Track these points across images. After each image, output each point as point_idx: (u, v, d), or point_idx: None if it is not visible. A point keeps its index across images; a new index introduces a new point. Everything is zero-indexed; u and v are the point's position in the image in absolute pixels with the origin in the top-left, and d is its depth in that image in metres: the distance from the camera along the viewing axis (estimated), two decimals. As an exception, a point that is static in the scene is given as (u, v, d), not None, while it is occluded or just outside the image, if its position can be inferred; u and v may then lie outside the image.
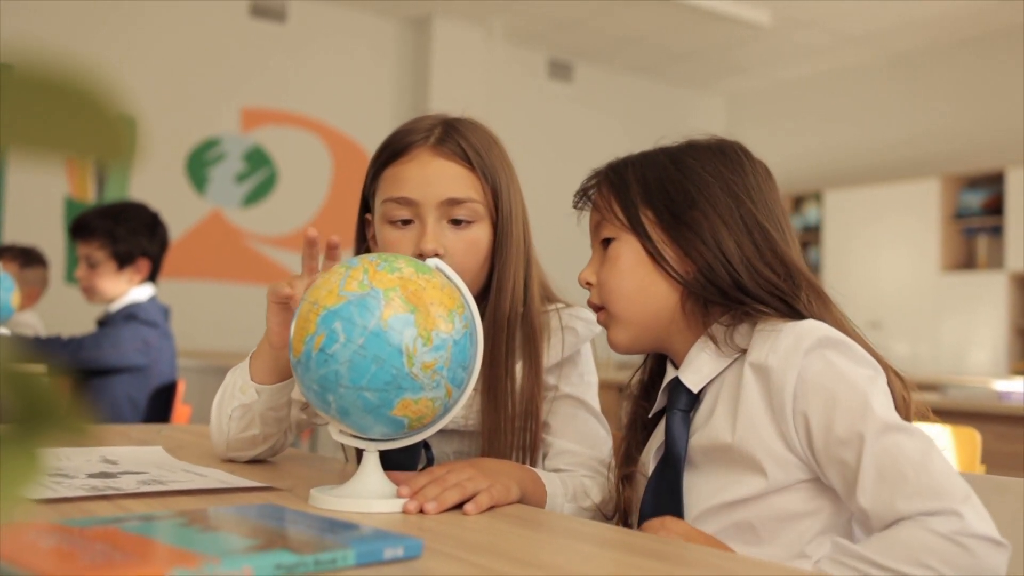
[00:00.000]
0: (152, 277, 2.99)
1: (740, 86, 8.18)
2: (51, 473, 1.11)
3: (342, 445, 1.28)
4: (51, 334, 2.99)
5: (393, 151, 1.39)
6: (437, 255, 1.31)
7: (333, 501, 1.02)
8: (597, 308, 1.27)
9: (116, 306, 2.90)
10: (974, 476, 1.16)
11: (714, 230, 1.18)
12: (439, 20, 6.83)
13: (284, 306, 1.24)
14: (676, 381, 1.20)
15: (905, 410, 1.12)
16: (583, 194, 1.32)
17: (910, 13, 6.36)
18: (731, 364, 1.16)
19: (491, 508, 1.07)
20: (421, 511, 1.02)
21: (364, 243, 1.47)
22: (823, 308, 1.17)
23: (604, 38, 7.11)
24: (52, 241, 4.98)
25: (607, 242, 1.25)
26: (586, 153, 7.70)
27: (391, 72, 6.95)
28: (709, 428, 1.14)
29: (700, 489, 1.14)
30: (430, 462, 1.37)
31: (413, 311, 1.00)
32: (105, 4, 5.83)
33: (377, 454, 1.08)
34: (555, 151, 7.43)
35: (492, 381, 1.36)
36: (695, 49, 7.27)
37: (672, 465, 1.16)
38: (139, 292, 2.93)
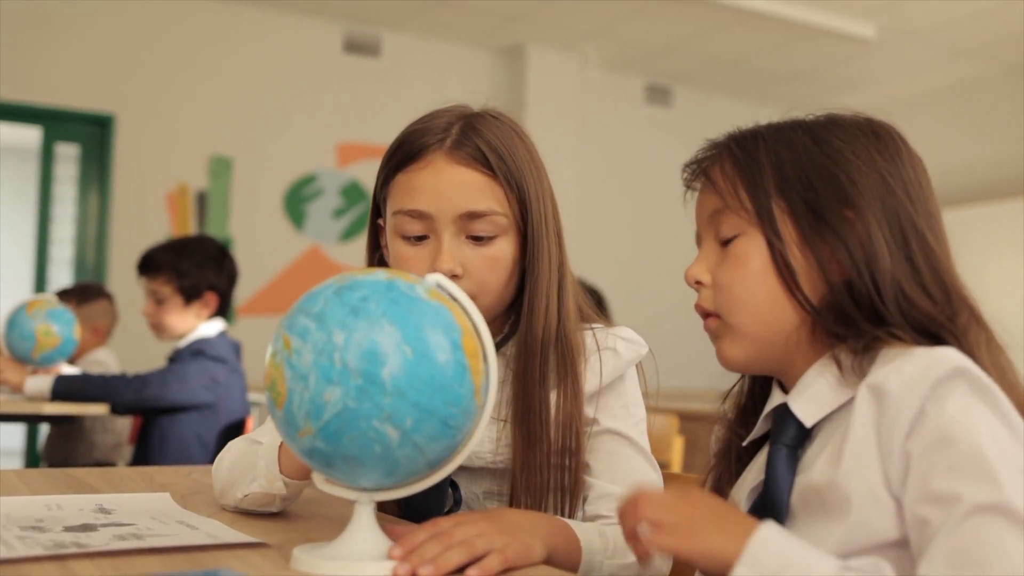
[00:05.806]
0: (222, 311, 2.93)
1: (845, 105, 7.83)
2: (24, 526, 1.01)
3: None
4: (119, 371, 2.96)
5: (406, 154, 1.25)
6: (454, 276, 1.18)
7: (314, 563, 0.88)
8: (706, 314, 1.03)
9: (184, 342, 2.86)
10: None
11: (866, 235, 0.94)
12: (533, 48, 6.74)
13: None
14: (784, 408, 0.98)
15: None
16: (697, 168, 1.06)
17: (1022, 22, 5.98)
18: (854, 397, 0.93)
19: (505, 572, 0.90)
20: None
21: (378, 251, 1.33)
22: (984, 347, 0.92)
23: (703, 60, 6.90)
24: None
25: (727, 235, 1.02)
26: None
27: (486, 102, 6.87)
28: (811, 469, 0.93)
29: None
30: (457, 504, 1.22)
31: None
32: (200, 43, 5.92)
33: (371, 506, 0.93)
34: (654, 178, 7.22)
35: (524, 411, 1.19)
36: (797, 69, 7.01)
37: (771, 511, 0.94)
38: (208, 327, 2.88)
